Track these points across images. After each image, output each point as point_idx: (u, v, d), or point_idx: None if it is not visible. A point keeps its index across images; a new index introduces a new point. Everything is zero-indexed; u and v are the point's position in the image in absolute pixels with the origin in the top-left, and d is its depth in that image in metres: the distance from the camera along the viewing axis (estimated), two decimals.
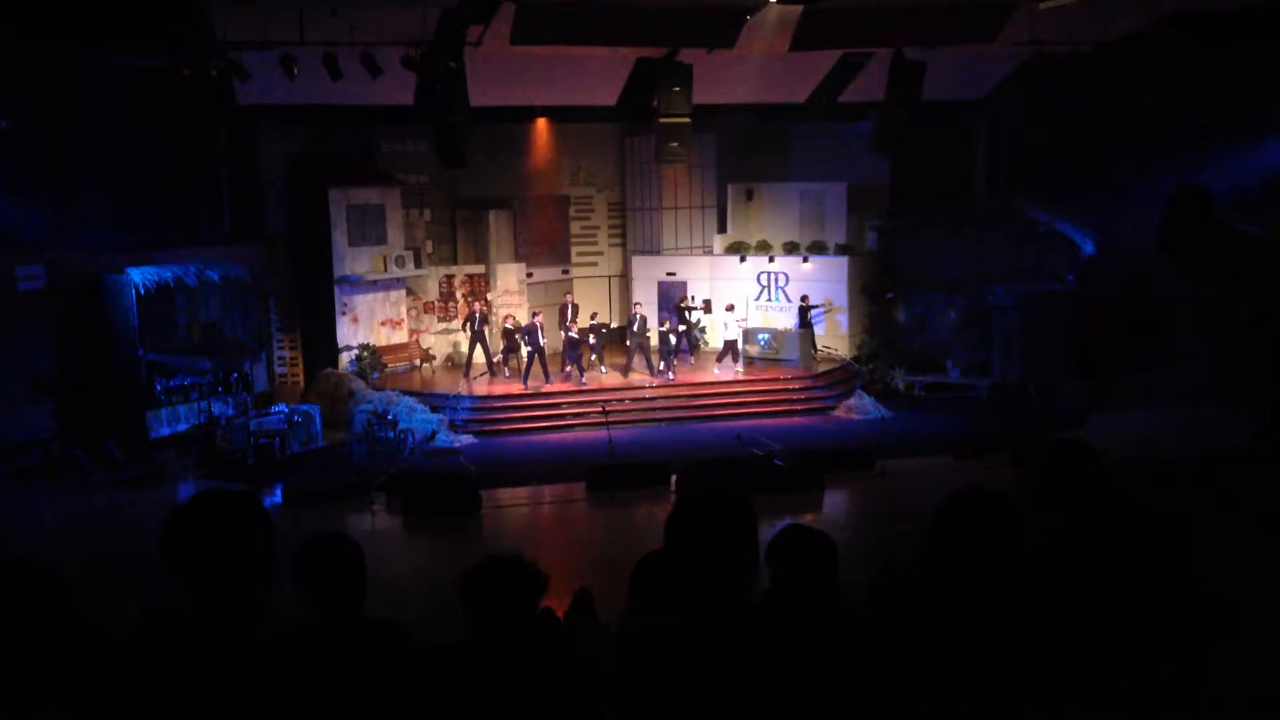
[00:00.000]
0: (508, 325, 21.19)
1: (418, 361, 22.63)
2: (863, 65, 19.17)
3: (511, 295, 23.43)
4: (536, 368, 20.50)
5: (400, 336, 22.39)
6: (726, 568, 2.90)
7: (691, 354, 22.77)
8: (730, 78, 19.46)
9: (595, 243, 25.52)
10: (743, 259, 23.78)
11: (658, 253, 24.90)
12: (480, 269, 23.66)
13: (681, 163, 20.56)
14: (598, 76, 19.53)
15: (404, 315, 22.53)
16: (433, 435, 18.48)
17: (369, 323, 21.80)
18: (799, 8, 17.19)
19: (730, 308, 21.99)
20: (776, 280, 23.51)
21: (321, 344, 21.42)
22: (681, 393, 20.64)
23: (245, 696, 2.82)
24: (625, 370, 21.34)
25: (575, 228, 25.22)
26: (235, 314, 19.74)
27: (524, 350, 20.65)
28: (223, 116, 19.16)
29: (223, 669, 2.81)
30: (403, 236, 22.23)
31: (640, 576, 4.27)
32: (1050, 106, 20.44)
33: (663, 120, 18.88)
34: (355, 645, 3.40)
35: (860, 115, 21.55)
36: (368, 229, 21.55)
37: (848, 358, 22.55)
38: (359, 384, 20.39)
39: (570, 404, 19.95)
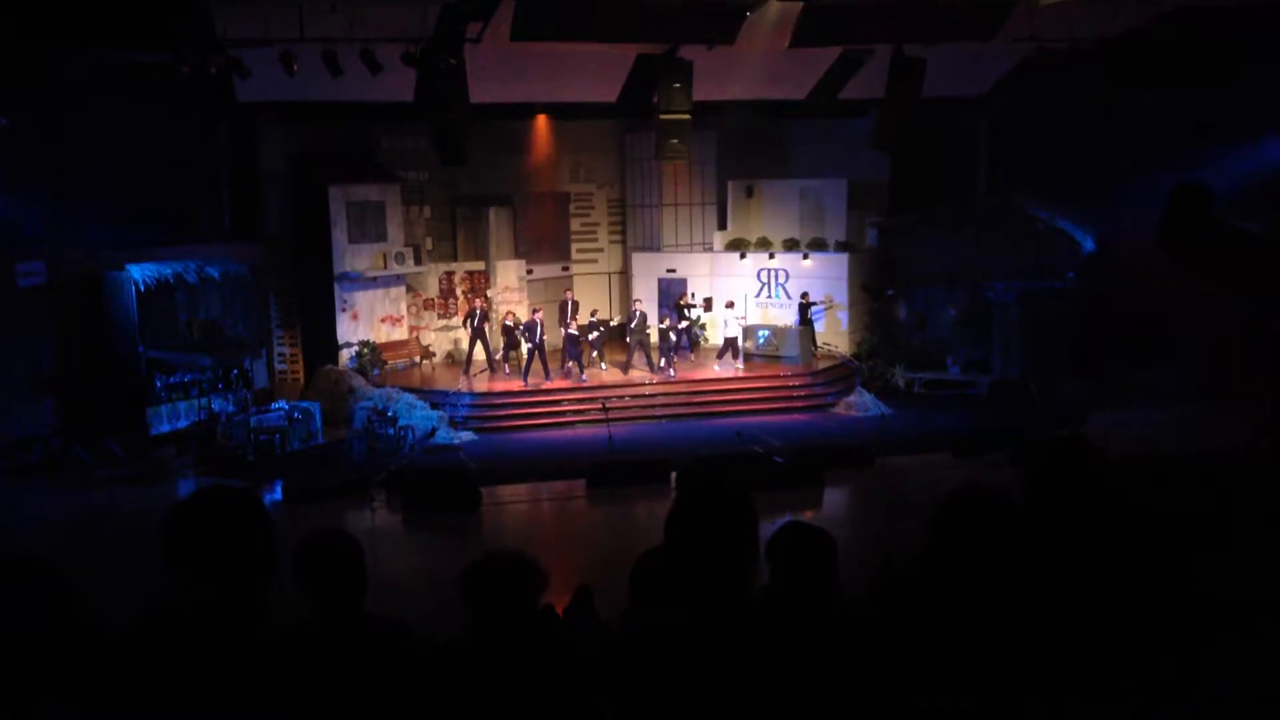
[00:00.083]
0: (508, 322, 21.18)
1: (418, 358, 22.63)
2: (863, 62, 19.14)
3: (511, 292, 23.43)
4: (537, 364, 20.50)
5: (400, 333, 22.39)
6: (726, 565, 2.90)
7: (691, 351, 22.77)
8: (730, 74, 19.44)
9: (595, 239, 25.51)
10: (743, 256, 23.78)
11: (658, 249, 24.89)
12: (480, 266, 23.65)
13: (681, 159, 20.53)
14: (598, 73, 19.50)
15: (404, 312, 22.53)
16: (433, 432, 18.48)
17: (369, 320, 21.80)
18: (799, 4, 17.17)
19: (730, 304, 21.99)
20: (777, 277, 23.51)
21: (321, 341, 21.42)
22: (681, 389, 20.64)
23: (245, 693, 2.82)
24: (625, 367, 21.34)
25: (575, 224, 25.22)
26: (235, 311, 19.75)
27: (524, 347, 20.66)
28: (223, 113, 19.16)
29: (223, 666, 2.81)
30: (403, 233, 22.22)
31: (640, 573, 4.27)
32: (1050, 103, 20.43)
33: (663, 117, 18.87)
34: (355, 642, 3.40)
35: (860, 112, 21.51)
36: (368, 226, 21.54)
37: (848, 355, 22.56)
38: (359, 381, 20.39)
39: (570, 401, 19.95)
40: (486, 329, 21.49)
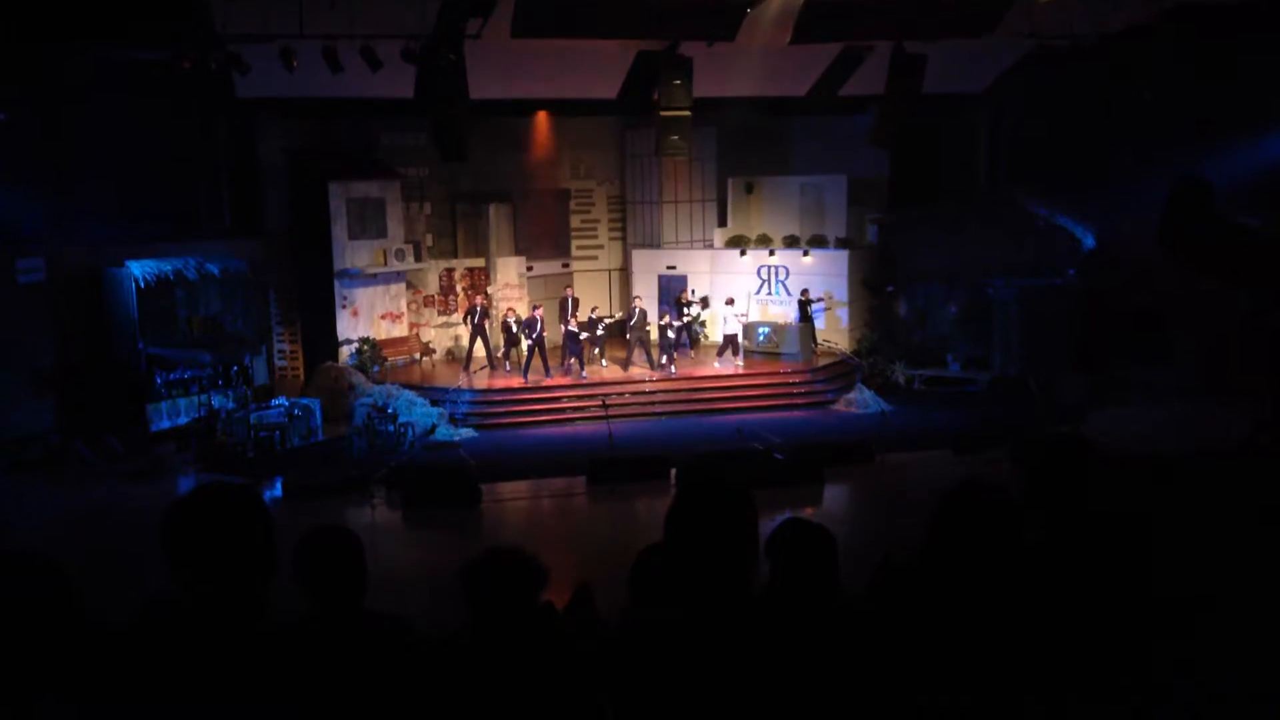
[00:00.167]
0: (509, 319, 21.17)
1: (418, 355, 22.62)
2: (863, 58, 19.13)
3: (511, 289, 23.42)
4: (537, 361, 20.51)
5: (400, 330, 22.39)
6: (726, 561, 2.90)
7: (691, 348, 22.77)
8: (731, 71, 19.43)
9: (595, 236, 25.50)
10: (743, 253, 23.77)
11: (658, 246, 24.88)
12: (480, 262, 23.64)
13: (682, 156, 20.54)
14: (598, 69, 19.50)
15: (404, 309, 22.53)
16: (433, 429, 18.48)
17: (369, 316, 21.79)
18: (800, 0, 17.18)
19: (730, 301, 21.99)
20: (776, 274, 23.50)
21: (321, 338, 21.42)
22: (681, 386, 20.64)
23: (246, 690, 2.82)
24: (625, 364, 21.33)
25: (575, 221, 25.21)
26: (235, 307, 19.74)
27: (524, 344, 20.66)
28: (222, 109, 19.14)
29: (223, 663, 2.81)
30: (403, 230, 22.21)
31: (640, 570, 4.27)
32: (1051, 100, 20.43)
33: (663, 113, 18.87)
34: (355, 638, 3.40)
35: (861, 108, 21.52)
36: (368, 222, 21.53)
37: (848, 351, 22.56)
38: (359, 378, 20.37)
39: (570, 398, 19.96)
40: (487, 326, 21.49)
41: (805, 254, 23.33)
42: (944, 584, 3.20)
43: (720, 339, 22.16)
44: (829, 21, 17.79)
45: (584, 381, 20.46)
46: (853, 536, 11.33)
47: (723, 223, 24.96)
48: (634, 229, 25.42)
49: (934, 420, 19.00)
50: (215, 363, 18.93)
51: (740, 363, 21.58)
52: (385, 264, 21.74)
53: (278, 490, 15.13)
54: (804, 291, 22.28)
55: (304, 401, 18.76)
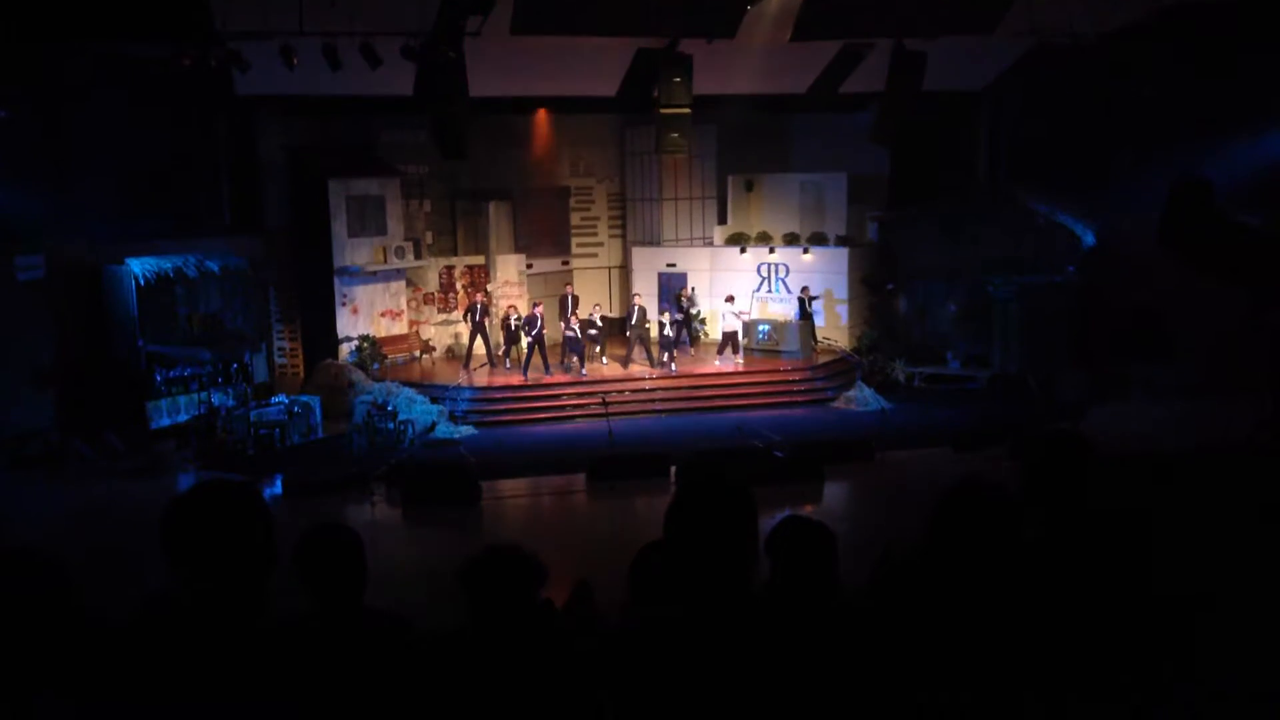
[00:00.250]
0: (510, 315, 21.17)
1: (418, 353, 22.63)
2: (863, 56, 19.13)
3: (511, 286, 23.41)
4: (536, 359, 20.51)
5: (400, 327, 22.39)
6: (726, 559, 2.90)
7: (691, 345, 22.77)
8: (731, 68, 19.42)
9: (595, 234, 25.49)
10: (743, 250, 23.76)
11: (658, 244, 24.88)
12: (480, 260, 23.64)
13: (681, 153, 20.55)
14: (598, 67, 19.49)
15: (404, 306, 22.53)
16: (433, 426, 18.47)
17: (369, 314, 21.79)
18: None
19: (730, 299, 21.98)
20: (777, 271, 23.49)
21: (321, 335, 21.42)
22: (681, 384, 20.64)
23: (245, 687, 2.82)
24: (625, 361, 21.33)
25: (575, 219, 25.19)
26: (235, 305, 19.75)
27: (524, 341, 20.67)
28: (222, 107, 19.16)
29: (223, 660, 2.81)
30: (402, 227, 22.21)
31: (640, 567, 4.27)
32: (1051, 98, 20.42)
33: (663, 111, 18.87)
34: (355, 635, 3.40)
35: (861, 106, 21.52)
36: (367, 220, 21.53)
37: (848, 349, 22.56)
38: (359, 375, 20.39)
39: (570, 395, 19.96)
40: (487, 323, 21.50)
41: (805, 251, 23.32)
42: (944, 581, 3.20)
43: (720, 336, 22.18)
44: (829, 19, 17.79)
45: (584, 379, 20.45)
46: (853, 534, 11.32)
47: (723, 220, 24.95)
48: (634, 226, 25.41)
49: (934, 418, 19.00)
50: (215, 360, 18.93)
51: (740, 360, 21.58)
52: (385, 261, 21.73)
53: (278, 488, 15.14)
54: (804, 289, 22.28)
55: (304, 399, 18.78)
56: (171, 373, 18.39)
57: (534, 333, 20.34)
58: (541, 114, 23.83)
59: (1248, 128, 17.78)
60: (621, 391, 19.79)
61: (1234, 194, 15.67)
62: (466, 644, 3.46)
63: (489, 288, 23.09)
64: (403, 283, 22.49)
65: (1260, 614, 3.64)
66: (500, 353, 21.50)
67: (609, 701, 3.15)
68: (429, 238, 23.29)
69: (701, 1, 17.44)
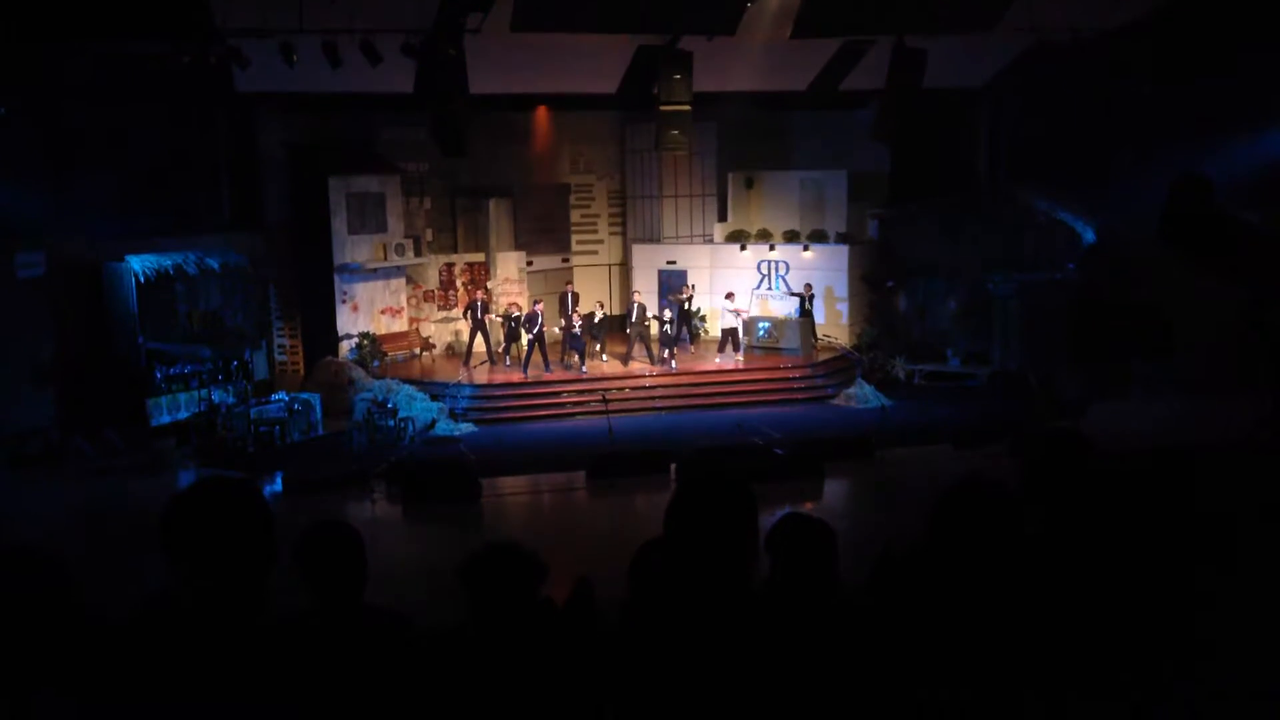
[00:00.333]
0: (512, 312, 21.16)
1: (418, 350, 22.62)
2: (864, 53, 19.13)
3: (511, 283, 23.42)
4: (537, 356, 20.51)
5: (400, 325, 22.39)
6: (726, 556, 2.90)
7: (692, 343, 22.77)
8: (731, 65, 19.41)
9: (595, 231, 25.49)
10: (743, 248, 23.76)
11: (658, 241, 24.87)
12: (480, 257, 23.64)
13: (682, 151, 20.53)
14: (598, 64, 19.48)
15: (404, 303, 22.52)
16: (433, 424, 18.48)
17: (369, 311, 21.78)
18: None
19: (730, 296, 21.98)
20: (777, 269, 23.48)
21: (321, 332, 21.40)
22: (681, 381, 20.64)
23: (246, 684, 2.82)
24: (625, 359, 21.33)
25: (575, 216, 25.20)
26: (235, 302, 19.75)
27: (524, 339, 20.66)
28: (222, 104, 19.14)
29: (223, 657, 2.81)
30: (403, 225, 22.21)
31: (640, 565, 4.27)
32: (1051, 95, 20.40)
33: (663, 108, 18.86)
34: (355, 633, 3.40)
35: (861, 103, 21.51)
36: (368, 217, 21.52)
37: (848, 346, 22.55)
38: (359, 372, 20.39)
39: (570, 393, 19.96)
40: (487, 321, 21.50)
41: (805, 249, 23.31)
42: (944, 578, 3.20)
43: (719, 334, 22.19)
44: (829, 16, 17.78)
45: (584, 376, 20.46)
46: (852, 531, 11.30)
47: (723, 218, 24.95)
48: (634, 224, 25.41)
49: (934, 415, 19.00)
50: (215, 357, 18.94)
51: (740, 358, 21.58)
52: (385, 259, 21.73)
53: (278, 485, 15.14)
54: (806, 286, 22.27)
55: (304, 396, 18.78)
56: (172, 370, 18.39)
57: (534, 330, 20.33)
58: (542, 111, 23.81)
59: (1247, 126, 17.77)
60: (622, 389, 19.80)
61: (1233, 192, 15.66)
62: (466, 641, 3.46)
63: (489, 285, 23.09)
64: (403, 280, 22.49)
65: (1260, 613, 3.63)
66: (500, 350, 21.50)
67: (609, 699, 3.15)
68: (429, 235, 23.28)
69: None
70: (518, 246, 23.89)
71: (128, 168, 17.99)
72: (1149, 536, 3.43)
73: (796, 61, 19.68)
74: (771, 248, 23.61)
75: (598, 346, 21.44)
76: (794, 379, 20.89)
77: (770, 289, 23.42)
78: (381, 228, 21.69)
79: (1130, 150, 18.50)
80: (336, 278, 21.21)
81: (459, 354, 22.31)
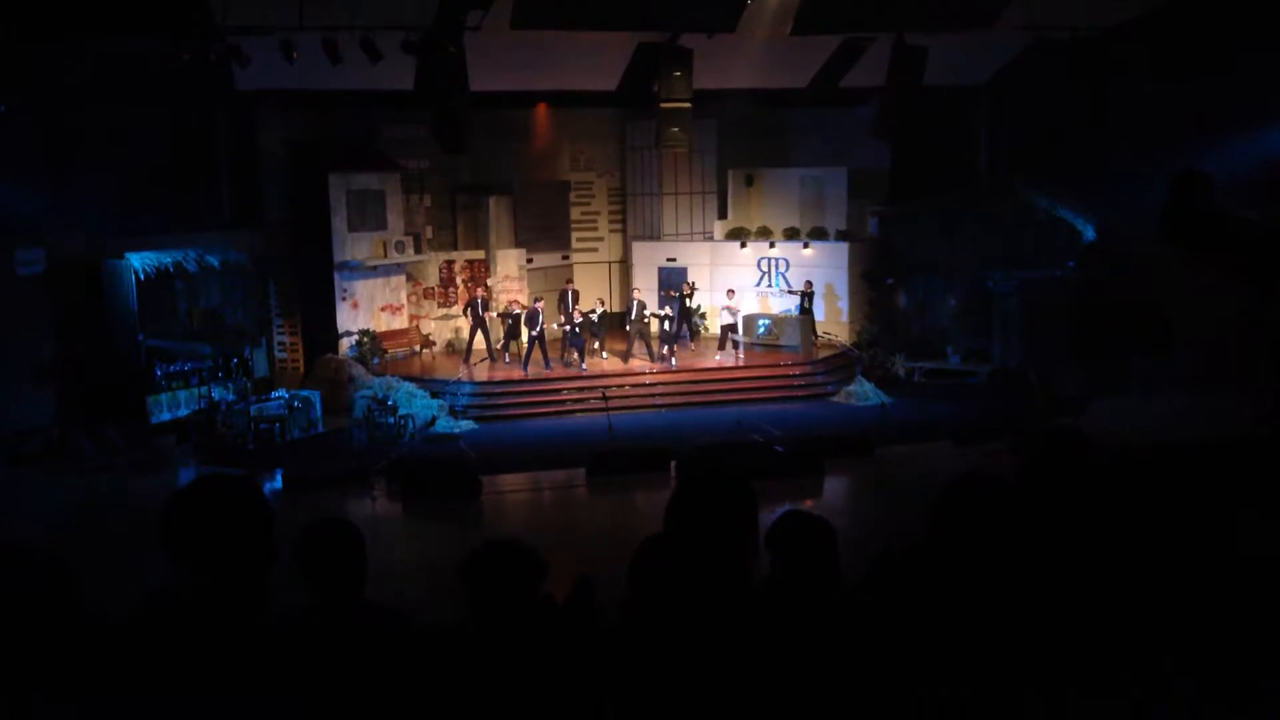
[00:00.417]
0: (513, 308, 21.16)
1: (418, 347, 22.62)
2: (864, 50, 19.12)
3: (512, 281, 23.42)
4: (537, 353, 20.51)
5: (400, 322, 22.38)
6: (726, 553, 2.90)
7: (692, 340, 22.77)
8: (731, 63, 19.42)
9: (596, 228, 25.49)
10: (743, 245, 23.75)
11: (658, 238, 24.87)
12: (480, 255, 23.64)
13: (682, 148, 20.52)
14: (598, 61, 19.49)
15: (404, 301, 22.52)
16: (433, 421, 18.48)
17: (369, 308, 21.78)
18: None
19: (730, 292, 21.97)
20: (777, 266, 23.48)
21: (321, 329, 21.40)
22: (682, 379, 20.64)
23: (246, 682, 2.82)
24: (625, 356, 21.34)
25: (575, 213, 25.19)
26: (235, 299, 19.75)
27: (524, 336, 20.66)
28: (222, 101, 19.13)
29: (223, 655, 2.81)
30: (403, 222, 22.20)
31: (640, 562, 4.27)
32: (1051, 92, 20.39)
33: (663, 105, 18.86)
34: (355, 630, 3.40)
35: (861, 100, 21.49)
36: (368, 214, 21.51)
37: (848, 344, 22.55)
38: (359, 370, 20.39)
39: (570, 390, 19.95)
40: (487, 318, 21.50)
41: (805, 246, 23.30)
42: (944, 576, 3.20)
43: (719, 331, 22.19)
44: (829, 13, 17.78)
45: (584, 374, 20.46)
46: (852, 528, 11.32)
47: (723, 215, 24.95)
48: (634, 221, 25.40)
49: (934, 412, 19.00)
50: (215, 355, 18.94)
51: (740, 355, 21.58)
52: (385, 256, 21.72)
53: (278, 482, 15.14)
54: (807, 283, 22.27)
55: (304, 394, 18.78)
56: (171, 367, 18.39)
57: (535, 328, 20.33)
58: (542, 108, 23.80)
59: (1247, 123, 17.77)
60: (622, 386, 19.80)
61: (1233, 189, 15.65)
62: (467, 639, 3.46)
63: (489, 282, 23.09)
64: (403, 277, 22.48)
65: (1260, 610, 3.63)
66: (500, 347, 21.50)
67: (609, 696, 3.15)
68: (429, 232, 23.28)
69: None
70: (518, 244, 23.89)
71: (128, 165, 17.96)
72: (1149, 533, 3.43)
73: (797, 59, 19.69)
74: (771, 245, 23.60)
75: (598, 344, 21.44)
76: (794, 376, 20.89)
77: (770, 286, 23.42)
78: (381, 225, 21.67)
79: (1130, 147, 18.50)
80: (336, 275, 21.21)
81: (459, 351, 22.31)
